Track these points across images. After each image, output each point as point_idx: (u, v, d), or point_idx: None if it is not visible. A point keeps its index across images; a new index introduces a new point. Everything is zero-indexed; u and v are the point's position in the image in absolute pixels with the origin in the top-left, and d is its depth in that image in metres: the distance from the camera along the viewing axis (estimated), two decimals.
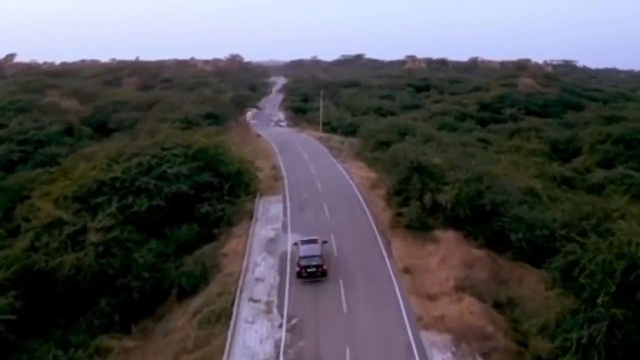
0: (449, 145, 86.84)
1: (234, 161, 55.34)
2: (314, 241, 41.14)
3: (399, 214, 46.04)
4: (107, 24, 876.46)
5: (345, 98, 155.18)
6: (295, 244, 42.75)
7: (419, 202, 44.96)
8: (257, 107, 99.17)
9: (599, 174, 74.74)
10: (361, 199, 55.22)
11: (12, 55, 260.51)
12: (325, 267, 39.12)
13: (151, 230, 47.45)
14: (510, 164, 68.87)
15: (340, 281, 38.84)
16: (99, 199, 48.04)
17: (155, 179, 48.97)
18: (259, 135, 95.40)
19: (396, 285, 38.44)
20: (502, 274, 40.57)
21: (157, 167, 50.31)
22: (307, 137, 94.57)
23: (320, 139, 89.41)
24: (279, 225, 49.58)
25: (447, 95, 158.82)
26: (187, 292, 41.89)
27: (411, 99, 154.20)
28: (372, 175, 63.68)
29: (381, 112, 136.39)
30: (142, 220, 47.24)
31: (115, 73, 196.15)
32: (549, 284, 34.24)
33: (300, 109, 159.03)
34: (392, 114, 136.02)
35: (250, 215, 50.91)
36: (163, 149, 52.84)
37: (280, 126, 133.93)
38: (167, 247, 45.75)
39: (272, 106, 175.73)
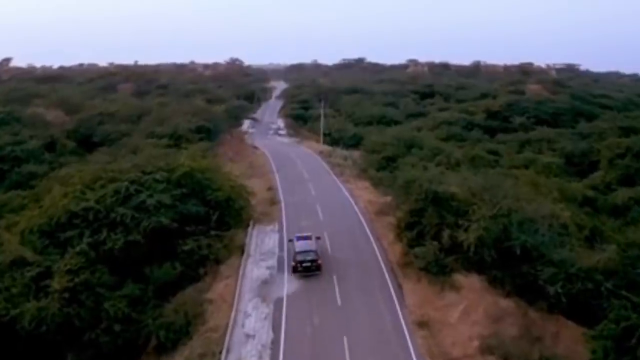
0: (459, 162, 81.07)
1: (224, 186, 49.15)
2: (308, 237, 42.65)
3: (412, 252, 39.81)
4: (107, 27, 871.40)
5: (347, 105, 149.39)
6: (290, 240, 43.72)
7: (436, 242, 38.68)
8: (254, 119, 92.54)
9: (623, 194, 68.41)
10: (367, 229, 49.05)
11: (8, 60, 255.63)
12: (320, 261, 40.33)
13: (127, 269, 41.44)
14: (529, 185, 62.62)
15: (345, 339, 32.72)
16: (69, 233, 42.10)
17: (132, 210, 42.82)
18: (255, 148, 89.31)
19: (410, 345, 32.29)
20: (535, 329, 34.33)
21: (136, 195, 44.16)
22: (307, 150, 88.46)
23: (321, 153, 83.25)
24: (274, 261, 43.32)
25: (452, 102, 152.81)
26: (167, 345, 35.95)
27: (416, 106, 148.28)
28: (379, 198, 57.60)
29: (385, 121, 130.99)
30: (116, 258, 41.24)
31: (110, 79, 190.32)
32: (598, 354, 28.05)
33: (300, 117, 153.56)
34: (397, 122, 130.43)
35: (241, 250, 44.67)
36: (144, 173, 46.65)
37: (280, 135, 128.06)
38: (144, 291, 39.59)
39: (272, 113, 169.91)
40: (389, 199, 56.16)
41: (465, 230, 37.64)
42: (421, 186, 41.98)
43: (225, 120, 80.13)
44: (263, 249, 45.73)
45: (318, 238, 43.33)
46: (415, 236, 41.05)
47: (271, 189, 61.40)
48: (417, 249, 38.88)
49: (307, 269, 39.98)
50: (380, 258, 43.05)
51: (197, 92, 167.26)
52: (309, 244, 41.52)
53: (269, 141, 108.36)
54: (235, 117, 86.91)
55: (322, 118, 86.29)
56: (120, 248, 40.81)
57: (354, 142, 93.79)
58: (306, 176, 66.81)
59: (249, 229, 49.06)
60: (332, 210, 53.61)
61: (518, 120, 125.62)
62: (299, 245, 41.37)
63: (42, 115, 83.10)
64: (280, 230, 49.29)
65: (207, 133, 72.37)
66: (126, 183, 44.95)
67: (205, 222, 45.05)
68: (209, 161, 51.35)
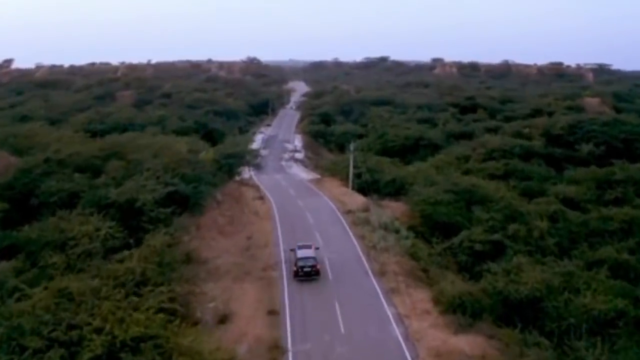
0: (543, 232, 56.60)
1: None
2: (308, 246, 44.46)
3: None
4: (127, 25, 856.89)
5: (377, 122, 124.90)
6: (292, 249, 44.74)
7: None
8: (257, 165, 67.72)
9: None
10: None
11: (9, 61, 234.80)
12: (318, 267, 42.26)
13: None
14: None
15: None
16: None
17: None
18: (261, 198, 65.27)
19: None
20: None
21: None
22: (329, 204, 63.93)
23: (348, 213, 58.67)
24: None
25: (499, 118, 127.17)
26: None
27: (457, 124, 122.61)
28: (452, 337, 33.52)
29: (423, 144, 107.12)
30: None
31: (109, 85, 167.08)
32: None
33: (320, 134, 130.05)
34: (437, 146, 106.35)
35: None
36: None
37: (296, 160, 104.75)
38: None
39: (288, 127, 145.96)
40: (471, 340, 32.55)
41: None
42: None
43: (214, 176, 55.16)
44: None
45: (317, 248, 45.22)
46: None
47: (274, 312, 37.09)
48: None
49: (308, 274, 41.69)
50: None
51: (203, 103, 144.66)
52: (309, 252, 43.24)
53: (281, 177, 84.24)
54: (229, 170, 61.52)
55: (350, 162, 61.76)
56: None
57: (392, 190, 69.34)
58: (329, 277, 42.45)
59: None
60: None
61: (585, 148, 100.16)
62: (300, 253, 42.96)
63: None
64: None
65: (182, 204, 47.83)
66: None
67: None
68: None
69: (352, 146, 62.67)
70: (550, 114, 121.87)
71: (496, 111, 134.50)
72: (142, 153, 58.69)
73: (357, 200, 64.50)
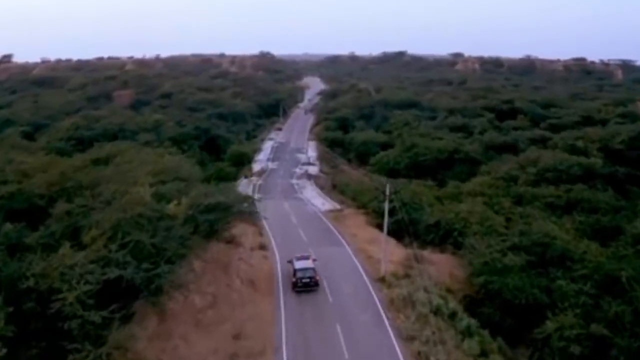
0: None
1: None
2: (306, 257, 42.10)
3: None
4: (136, 17, 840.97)
5: (402, 129, 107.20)
6: (290, 261, 42.05)
7: None
8: (253, 214, 49.06)
9: None
10: None
11: (8, 57, 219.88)
12: (317, 277, 39.83)
13: None
14: None
15: None
16: None
17: None
18: (262, 248, 48.22)
19: None
20: None
21: None
22: (354, 264, 46.05)
23: (383, 282, 41.37)
24: None
25: (544, 127, 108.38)
26: None
27: (497, 134, 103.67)
28: None
29: (459, 158, 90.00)
30: None
31: (106, 85, 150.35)
32: None
33: (337, 142, 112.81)
34: (475, 161, 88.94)
35: None
36: None
37: (309, 176, 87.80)
38: None
39: (301, 132, 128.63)
40: None
41: None
42: None
43: (186, 240, 36.17)
44: None
45: (315, 260, 41.86)
46: None
47: None
48: None
49: (306, 285, 39.45)
50: None
51: (206, 104, 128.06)
52: (307, 263, 41.00)
53: (290, 206, 66.95)
54: (211, 228, 41.97)
55: (386, 209, 44.21)
56: None
57: (437, 237, 51.89)
58: None
59: None
60: None
61: None
62: (298, 264, 40.72)
63: None
64: None
65: (130, 292, 29.45)
66: None
67: None
68: None
69: (387, 189, 44.96)
70: (603, 123, 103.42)
71: (539, 117, 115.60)
72: (99, 191, 41.45)
73: (392, 252, 46.89)
